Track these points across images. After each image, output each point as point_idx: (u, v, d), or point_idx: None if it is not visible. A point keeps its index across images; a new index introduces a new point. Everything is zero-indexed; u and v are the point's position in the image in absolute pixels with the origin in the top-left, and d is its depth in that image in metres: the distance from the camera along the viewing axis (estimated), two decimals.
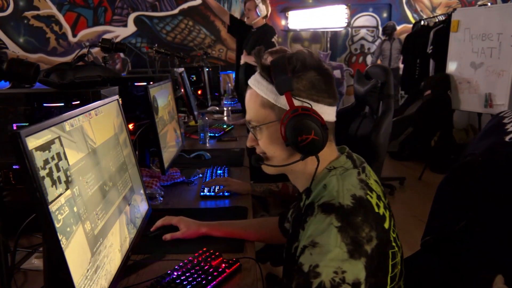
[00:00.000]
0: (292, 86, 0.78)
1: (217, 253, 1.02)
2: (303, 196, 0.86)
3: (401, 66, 5.62)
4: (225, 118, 3.46)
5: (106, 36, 6.34)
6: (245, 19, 3.70)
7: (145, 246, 1.09)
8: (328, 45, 6.40)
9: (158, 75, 2.05)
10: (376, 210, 0.76)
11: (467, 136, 4.36)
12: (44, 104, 1.18)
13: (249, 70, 3.57)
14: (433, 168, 4.13)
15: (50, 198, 0.61)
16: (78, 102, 1.21)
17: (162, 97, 1.68)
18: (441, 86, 3.53)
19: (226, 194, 1.51)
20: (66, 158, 0.68)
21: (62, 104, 1.19)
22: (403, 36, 6.02)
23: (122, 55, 6.24)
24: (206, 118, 2.58)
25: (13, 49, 6.32)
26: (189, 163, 1.98)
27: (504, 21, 3.13)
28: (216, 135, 2.63)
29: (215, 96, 4.71)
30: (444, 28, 4.09)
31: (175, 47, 6.43)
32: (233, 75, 6.25)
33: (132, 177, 1.06)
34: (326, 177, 0.81)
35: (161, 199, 1.46)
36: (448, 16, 4.06)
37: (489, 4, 5.70)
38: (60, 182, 0.64)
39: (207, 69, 4.12)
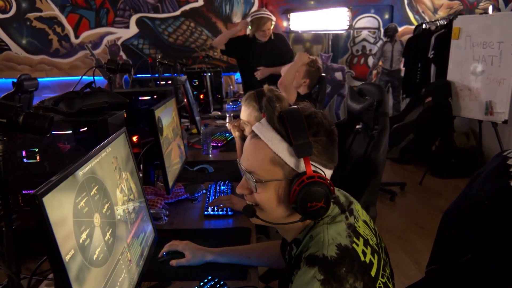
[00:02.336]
0: (312, 151, 0.78)
1: (221, 283, 1.05)
2: (293, 246, 0.87)
3: (403, 68, 5.64)
4: (228, 125, 3.48)
5: (108, 37, 6.36)
6: (261, 37, 3.75)
7: (152, 271, 1.12)
8: (330, 47, 6.41)
9: (161, 88, 2.08)
10: (362, 258, 0.77)
11: (467, 140, 4.38)
12: (53, 132, 1.21)
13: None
14: (433, 172, 4.16)
15: (63, 252, 0.64)
16: (86, 128, 1.24)
17: (166, 116, 1.70)
18: (442, 93, 3.55)
19: (229, 213, 1.54)
20: (78, 207, 0.71)
21: (70, 131, 1.22)
22: (405, 38, 6.02)
23: (124, 57, 6.25)
24: (208, 128, 2.61)
25: (16, 51, 6.34)
26: (192, 177, 2.01)
27: (504, 30, 3.14)
28: (219, 145, 2.66)
29: (217, 98, 4.72)
30: (445, 34, 4.10)
31: (176, 48, 6.45)
32: (234, 77, 6.28)
33: (140, 209, 1.09)
34: (315, 227, 0.82)
35: (166, 218, 1.50)
36: (450, 21, 4.06)
37: (490, 7, 5.68)
38: (74, 233, 0.67)
39: (209, 74, 4.14)
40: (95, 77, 6.60)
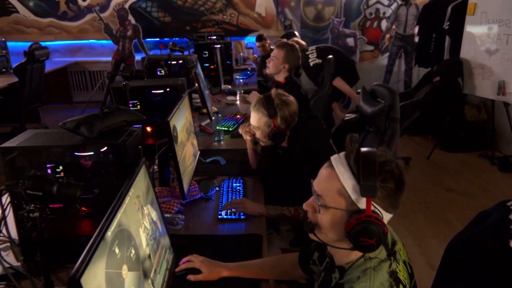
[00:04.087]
0: (375, 194, 0.85)
1: None
2: (336, 271, 0.96)
3: (418, 36, 5.46)
4: (238, 102, 3.50)
5: (116, 0, 6.20)
6: None
7: (171, 286, 1.22)
8: (342, 10, 6.19)
9: (174, 83, 2.08)
10: None
11: (479, 113, 4.34)
12: (75, 153, 1.26)
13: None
14: (442, 146, 4.17)
15: None
16: (106, 148, 1.29)
17: (180, 120, 1.74)
18: (452, 72, 3.48)
19: (242, 217, 1.62)
20: (109, 270, 0.78)
21: (92, 153, 1.27)
22: (420, 1, 5.78)
23: (133, 21, 6.13)
24: (220, 115, 2.64)
25: (24, 13, 6.25)
26: (205, 170, 2.08)
27: None
28: (230, 129, 2.70)
29: (227, 65, 4.65)
30: (462, 4, 3.94)
31: (185, 11, 6.29)
32: (244, 42, 6.15)
33: (160, 234, 1.17)
34: (362, 266, 0.90)
35: (182, 223, 1.58)
36: None
37: None
38: None
39: (219, 46, 4.08)
40: (104, 41, 6.64)
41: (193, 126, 2.07)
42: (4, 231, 0.98)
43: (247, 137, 1.96)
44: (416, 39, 5.46)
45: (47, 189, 0.76)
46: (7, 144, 1.24)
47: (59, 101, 6.35)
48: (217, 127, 2.57)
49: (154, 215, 1.12)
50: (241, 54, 5.63)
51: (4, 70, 5.01)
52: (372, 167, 0.86)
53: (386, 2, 6.29)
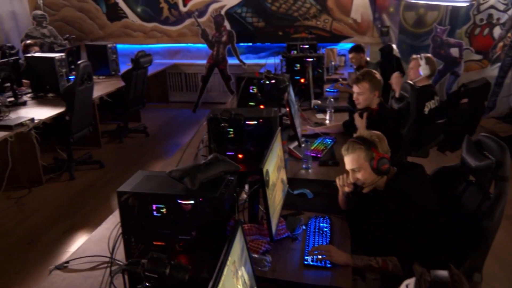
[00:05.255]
0: None
1: None
2: None
3: None
4: (327, 121, 3.47)
5: (214, 6, 6.49)
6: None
7: None
8: (447, 17, 5.74)
9: (267, 115, 2.14)
10: None
11: None
12: (179, 201, 1.38)
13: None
14: None
15: None
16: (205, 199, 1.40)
17: (272, 160, 1.79)
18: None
19: (328, 265, 1.63)
20: None
21: (193, 201, 1.38)
22: None
23: (228, 26, 6.37)
24: (309, 143, 2.65)
25: (132, 18, 6.86)
26: (292, 203, 2.11)
27: None
28: (318, 156, 2.70)
29: (318, 74, 4.61)
30: None
31: (279, 16, 6.36)
32: (337, 50, 6.03)
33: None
34: None
35: (269, 265, 1.64)
36: None
37: None
38: None
39: (311, 60, 4.07)
40: (200, 45, 7.07)
41: (284, 160, 2.11)
42: None
43: (345, 189, 1.90)
44: None
45: (161, 272, 0.86)
46: (122, 188, 1.41)
47: (157, 100, 6.88)
48: (306, 153, 2.58)
49: (247, 277, 1.18)
50: (333, 62, 5.54)
51: (113, 73, 5.57)
52: None
53: (501, 7, 5.69)
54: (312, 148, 2.76)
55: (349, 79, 4.97)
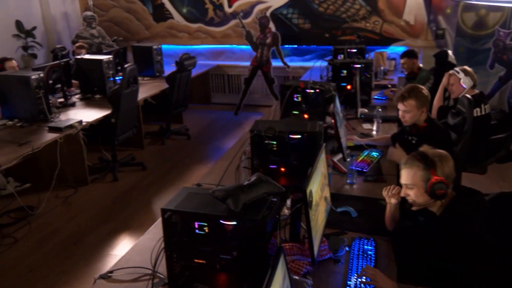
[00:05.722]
0: None
1: None
2: None
3: None
4: (374, 132, 3.41)
5: (259, 7, 6.54)
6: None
7: None
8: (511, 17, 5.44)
9: (312, 130, 2.13)
10: None
11: None
12: (221, 221, 1.42)
13: None
14: None
15: None
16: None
17: (316, 179, 1.79)
18: None
19: None
20: None
21: (235, 222, 1.41)
22: None
23: (273, 28, 6.40)
24: (354, 157, 2.62)
25: (177, 19, 7.05)
26: (335, 221, 2.10)
27: None
28: (364, 170, 2.66)
29: (365, 78, 4.51)
30: None
31: (326, 18, 6.31)
32: (387, 54, 5.89)
33: None
34: None
35: None
36: None
37: None
38: None
39: (359, 66, 4.01)
40: (244, 46, 7.22)
41: (327, 176, 2.10)
42: None
43: (392, 200, 1.90)
44: None
45: None
46: (166, 206, 1.46)
47: (199, 101, 7.04)
48: (351, 168, 2.56)
49: None
50: (382, 67, 5.42)
51: (157, 74, 5.76)
52: None
53: None
54: (357, 160, 2.72)
55: (399, 85, 4.84)
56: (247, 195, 1.41)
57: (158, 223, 2.04)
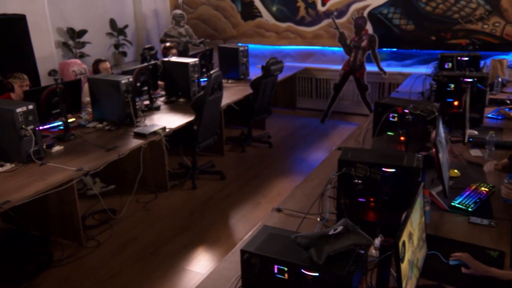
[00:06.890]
0: None
1: None
2: None
3: None
4: (502, 189, 3.09)
5: (356, 5, 6.41)
6: None
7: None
8: None
9: (408, 165, 2.04)
10: None
11: None
12: (302, 270, 1.43)
13: None
14: None
15: None
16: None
17: (412, 224, 1.72)
18: None
19: None
20: None
21: (317, 274, 1.42)
22: None
23: (370, 30, 6.23)
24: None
25: (266, 18, 7.19)
26: (430, 268, 1.99)
27: None
28: (469, 209, 2.48)
29: (477, 90, 4.17)
30: None
31: (433, 19, 5.99)
32: (507, 61, 5.41)
33: None
34: None
35: None
36: None
37: None
38: None
39: (471, 80, 3.74)
40: (336, 48, 7.24)
41: (424, 223, 2.00)
42: None
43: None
44: None
45: None
46: (246, 247, 1.52)
47: (283, 105, 7.11)
48: (452, 204, 2.41)
49: None
50: (500, 77, 4.98)
51: (242, 77, 5.94)
52: None
53: None
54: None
55: None
56: (332, 246, 1.41)
57: (236, 250, 2.11)
